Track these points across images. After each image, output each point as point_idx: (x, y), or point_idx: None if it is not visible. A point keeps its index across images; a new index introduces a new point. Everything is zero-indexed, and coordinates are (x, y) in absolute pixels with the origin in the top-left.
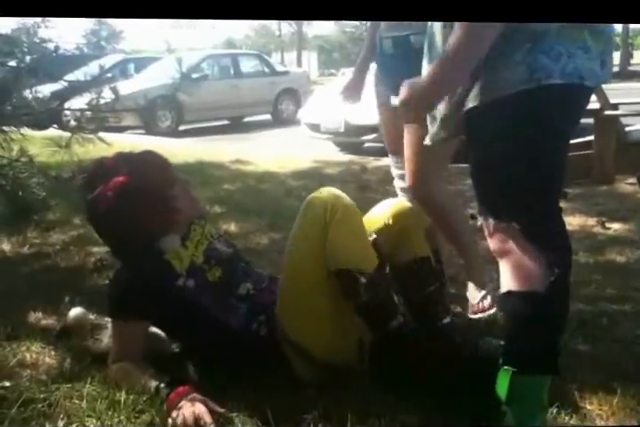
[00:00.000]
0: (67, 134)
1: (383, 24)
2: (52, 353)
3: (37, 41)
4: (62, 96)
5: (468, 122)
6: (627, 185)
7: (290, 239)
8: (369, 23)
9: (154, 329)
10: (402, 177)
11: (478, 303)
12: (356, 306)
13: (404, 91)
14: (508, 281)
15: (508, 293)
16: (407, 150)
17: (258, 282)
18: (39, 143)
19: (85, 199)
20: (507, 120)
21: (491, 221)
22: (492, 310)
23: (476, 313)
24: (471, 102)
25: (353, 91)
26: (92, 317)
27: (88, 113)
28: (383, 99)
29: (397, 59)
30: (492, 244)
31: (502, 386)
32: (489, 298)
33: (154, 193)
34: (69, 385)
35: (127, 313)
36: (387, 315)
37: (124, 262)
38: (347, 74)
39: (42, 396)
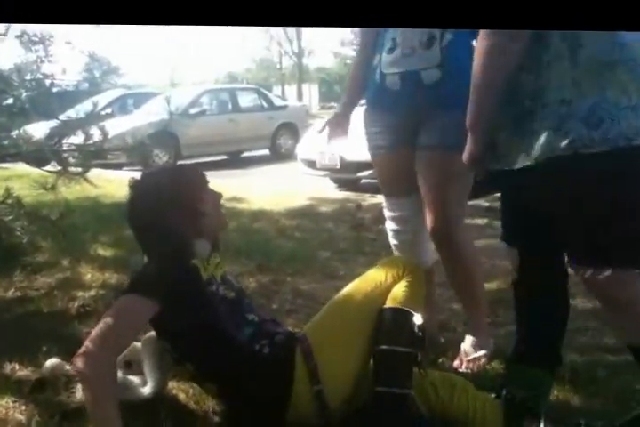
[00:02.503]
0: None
1: (385, 60)
2: (23, 408)
3: (41, 76)
4: (59, 134)
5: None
6: None
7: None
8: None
9: (126, 376)
10: (394, 219)
11: (470, 361)
12: (387, 352)
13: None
14: None
15: None
16: (429, 191)
17: (260, 316)
18: (27, 184)
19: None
20: (554, 181)
21: (609, 270)
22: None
23: (465, 368)
24: (522, 161)
25: (339, 128)
26: (68, 367)
27: (76, 153)
28: (376, 141)
29: (404, 96)
30: (614, 293)
31: None
32: (484, 359)
33: (184, 195)
34: None
35: (146, 288)
36: (404, 377)
37: (155, 258)
38: None
39: None
